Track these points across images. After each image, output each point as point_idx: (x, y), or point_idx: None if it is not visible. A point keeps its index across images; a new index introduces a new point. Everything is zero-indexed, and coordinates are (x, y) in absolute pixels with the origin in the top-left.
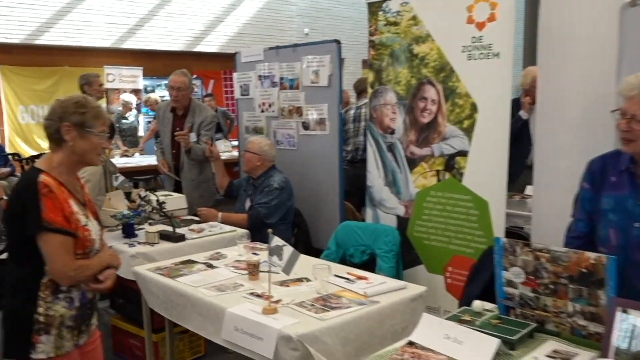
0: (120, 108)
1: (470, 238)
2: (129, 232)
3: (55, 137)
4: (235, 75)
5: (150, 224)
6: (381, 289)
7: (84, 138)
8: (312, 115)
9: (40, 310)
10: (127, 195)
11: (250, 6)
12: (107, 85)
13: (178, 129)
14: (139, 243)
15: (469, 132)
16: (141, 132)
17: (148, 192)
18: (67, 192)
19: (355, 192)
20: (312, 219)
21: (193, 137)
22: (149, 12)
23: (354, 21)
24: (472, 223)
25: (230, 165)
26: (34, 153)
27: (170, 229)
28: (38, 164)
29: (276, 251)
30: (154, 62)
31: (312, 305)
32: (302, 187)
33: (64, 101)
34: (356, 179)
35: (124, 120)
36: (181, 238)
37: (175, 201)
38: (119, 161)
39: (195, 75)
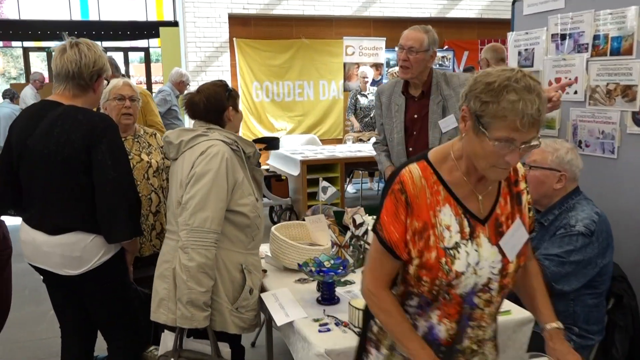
0: (358, 84)
1: None
2: (325, 295)
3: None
4: (510, 36)
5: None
6: None
7: (477, 135)
8: None
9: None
10: (338, 217)
11: None
12: (346, 60)
13: (416, 116)
14: (338, 322)
15: None
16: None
17: (366, 217)
18: (448, 195)
19: None
20: None
21: (450, 122)
22: None
23: None
24: None
25: None
26: (267, 134)
27: None
28: (435, 148)
29: None
30: (399, 31)
31: None
32: (625, 228)
33: (480, 76)
34: None
35: (361, 97)
36: None
37: None
38: (350, 148)
39: (446, 46)
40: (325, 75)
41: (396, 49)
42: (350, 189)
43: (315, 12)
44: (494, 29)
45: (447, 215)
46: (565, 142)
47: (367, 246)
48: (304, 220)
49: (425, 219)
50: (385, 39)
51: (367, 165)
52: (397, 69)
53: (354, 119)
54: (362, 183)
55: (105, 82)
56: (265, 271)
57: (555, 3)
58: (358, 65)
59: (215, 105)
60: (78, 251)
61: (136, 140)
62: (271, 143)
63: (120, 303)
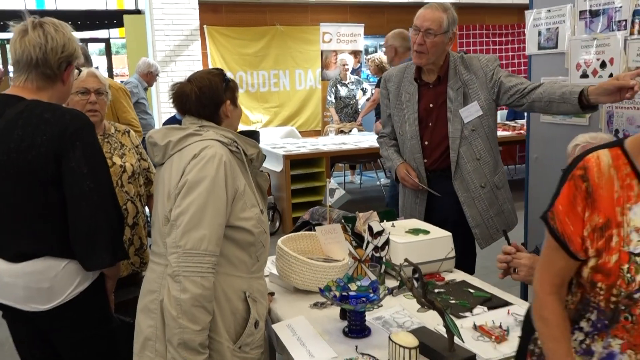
0: (338, 72)
1: None
2: (354, 326)
3: None
4: (529, 15)
5: (393, 294)
6: None
7: None
8: None
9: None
10: (349, 222)
11: None
12: (323, 47)
13: (431, 105)
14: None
15: None
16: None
17: (384, 224)
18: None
19: None
20: None
21: (473, 110)
22: None
23: None
24: None
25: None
26: (242, 128)
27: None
28: (634, 135)
29: None
30: (377, 17)
31: None
32: None
33: None
34: None
35: (340, 87)
36: None
37: (432, 246)
38: (333, 140)
39: None
40: (302, 64)
41: (410, 30)
42: None
43: None
44: (472, 14)
45: (638, 215)
46: (602, 134)
47: (404, 264)
48: (315, 229)
49: (608, 214)
50: (363, 25)
51: (350, 159)
52: (377, 55)
53: (333, 110)
54: (344, 176)
55: (77, 71)
56: (272, 294)
57: None
58: (336, 52)
59: (210, 97)
60: (47, 281)
61: (106, 140)
62: (251, 137)
63: (98, 343)
